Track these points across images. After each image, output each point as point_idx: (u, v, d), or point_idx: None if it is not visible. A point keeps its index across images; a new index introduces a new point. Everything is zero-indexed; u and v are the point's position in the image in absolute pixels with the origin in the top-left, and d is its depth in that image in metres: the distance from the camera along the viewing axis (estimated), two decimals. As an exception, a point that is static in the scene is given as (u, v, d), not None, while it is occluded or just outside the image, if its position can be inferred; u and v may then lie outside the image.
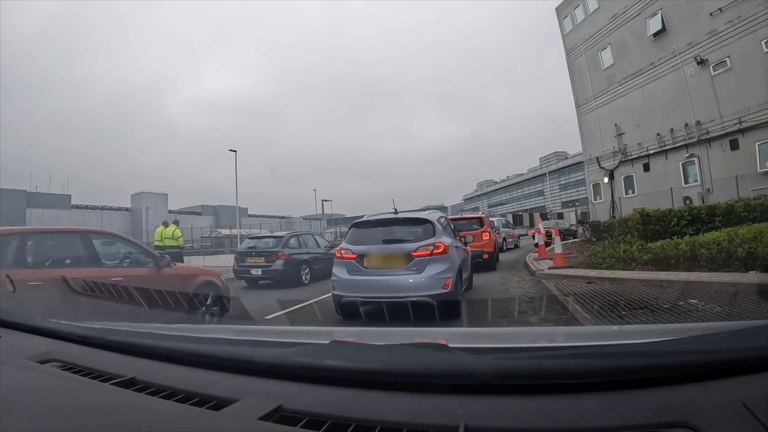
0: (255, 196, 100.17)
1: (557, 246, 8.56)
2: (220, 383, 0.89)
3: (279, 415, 0.74)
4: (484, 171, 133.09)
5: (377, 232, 5.00)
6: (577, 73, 20.45)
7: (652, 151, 16.82)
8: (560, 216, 33.82)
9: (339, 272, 4.73)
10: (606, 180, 18.64)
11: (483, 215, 12.60)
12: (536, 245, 11.32)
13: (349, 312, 4.38)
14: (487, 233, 9.93)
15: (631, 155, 17.76)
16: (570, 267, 8.05)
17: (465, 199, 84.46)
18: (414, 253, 4.52)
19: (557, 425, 0.66)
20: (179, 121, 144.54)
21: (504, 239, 15.70)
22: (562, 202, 58.28)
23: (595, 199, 20.21)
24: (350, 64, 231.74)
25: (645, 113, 16.85)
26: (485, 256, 9.29)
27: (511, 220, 27.02)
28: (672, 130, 15.91)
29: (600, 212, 18.98)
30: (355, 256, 4.69)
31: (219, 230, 38.96)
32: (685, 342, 0.91)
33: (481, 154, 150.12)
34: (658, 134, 16.46)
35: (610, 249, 8.12)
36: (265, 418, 0.72)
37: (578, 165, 55.82)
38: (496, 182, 78.90)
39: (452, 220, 10.58)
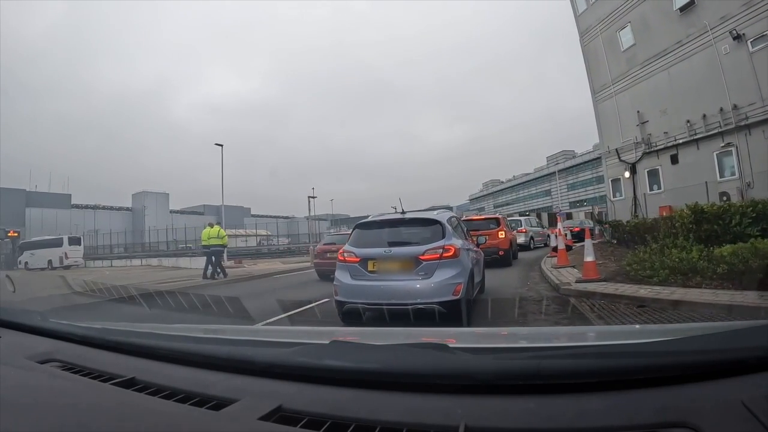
0: (260, 197, 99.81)
1: (588, 252, 6.51)
2: (220, 383, 0.90)
3: (279, 415, 0.75)
4: (490, 172, 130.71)
5: (382, 233, 4.73)
6: (592, 57, 18.66)
7: (681, 141, 14.98)
8: (569, 216, 32.17)
9: (342, 277, 4.53)
10: (627, 174, 16.71)
11: (500, 216, 13.37)
12: (554, 249, 9.39)
13: (352, 319, 4.23)
14: (503, 231, 10.71)
15: (656, 146, 15.93)
16: (605, 281, 6.08)
17: (471, 200, 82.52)
18: (422, 257, 4.26)
19: (557, 425, 0.67)
20: (183, 123, 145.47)
21: (532, 238, 16.34)
22: (570, 202, 56.31)
23: (614, 197, 18.29)
24: (355, 68, 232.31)
25: (672, 98, 15.07)
26: (501, 253, 10.32)
27: (541, 220, 27.00)
28: (704, 116, 14.04)
29: (620, 211, 17.02)
30: (358, 259, 4.47)
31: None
32: (685, 342, 0.91)
33: (486, 157, 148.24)
34: (688, 121, 14.61)
35: (659, 256, 6.07)
36: (265, 418, 0.73)
37: (587, 164, 54.01)
38: (502, 182, 76.63)
39: (471, 220, 11.76)
